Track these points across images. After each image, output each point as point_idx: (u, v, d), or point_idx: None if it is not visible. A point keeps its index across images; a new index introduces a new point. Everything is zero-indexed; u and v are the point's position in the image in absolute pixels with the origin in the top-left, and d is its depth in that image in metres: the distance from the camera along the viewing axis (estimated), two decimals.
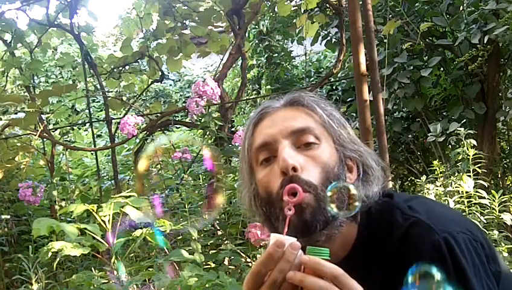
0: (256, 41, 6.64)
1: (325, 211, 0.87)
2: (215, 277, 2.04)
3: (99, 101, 8.42)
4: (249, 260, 2.60)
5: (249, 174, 0.99)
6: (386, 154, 2.55)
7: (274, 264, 0.75)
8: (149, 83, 4.17)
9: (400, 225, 0.92)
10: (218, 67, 3.83)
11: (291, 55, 6.78)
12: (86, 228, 2.12)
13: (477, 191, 2.54)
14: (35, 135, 3.27)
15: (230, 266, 2.69)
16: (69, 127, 5.95)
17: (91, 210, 2.16)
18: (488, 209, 2.52)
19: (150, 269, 2.33)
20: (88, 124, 4.82)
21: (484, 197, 2.52)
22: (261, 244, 2.31)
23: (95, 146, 3.93)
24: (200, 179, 3.31)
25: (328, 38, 4.40)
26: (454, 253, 0.85)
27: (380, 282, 0.93)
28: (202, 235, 2.81)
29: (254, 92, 7.19)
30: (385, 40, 3.28)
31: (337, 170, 0.92)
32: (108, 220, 2.15)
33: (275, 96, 1.01)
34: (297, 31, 4.87)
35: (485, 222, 2.46)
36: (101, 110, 7.68)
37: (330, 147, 0.94)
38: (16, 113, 5.10)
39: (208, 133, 3.02)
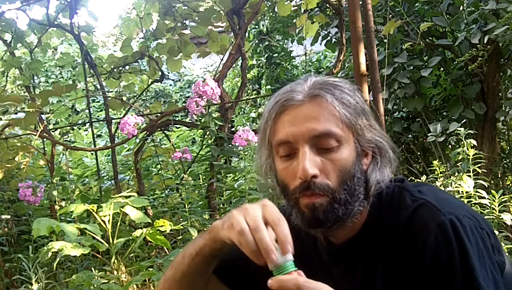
0: (256, 41, 6.65)
1: (337, 211, 0.92)
2: None
3: (99, 101, 8.42)
4: None
5: (267, 150, 1.02)
6: None
7: None
8: (149, 83, 4.16)
9: (407, 206, 0.94)
10: (218, 67, 3.83)
11: (291, 55, 6.78)
12: (86, 228, 2.12)
13: (477, 191, 2.54)
14: (35, 135, 3.26)
15: None
16: (69, 127, 5.96)
17: (91, 210, 2.16)
18: (488, 209, 2.51)
19: (150, 269, 2.33)
20: (88, 124, 4.82)
21: (484, 197, 2.51)
22: None
23: (95, 146, 3.94)
24: (200, 179, 3.31)
25: (328, 38, 4.39)
26: (460, 234, 0.86)
27: (385, 262, 0.95)
28: None
29: (254, 92, 7.20)
30: (385, 40, 3.28)
31: (353, 169, 0.94)
32: (108, 220, 2.15)
33: (300, 79, 1.01)
34: (297, 31, 4.87)
35: None
36: (101, 110, 7.68)
37: (349, 145, 0.95)
38: (16, 113, 5.11)
39: (208, 133, 3.02)
